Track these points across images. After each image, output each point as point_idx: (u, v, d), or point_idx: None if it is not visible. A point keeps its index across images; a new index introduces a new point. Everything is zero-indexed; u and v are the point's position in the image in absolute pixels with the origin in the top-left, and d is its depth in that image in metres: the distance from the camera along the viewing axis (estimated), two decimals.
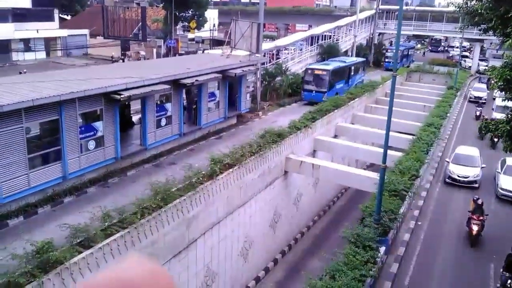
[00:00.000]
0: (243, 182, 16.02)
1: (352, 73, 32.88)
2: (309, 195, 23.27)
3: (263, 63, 32.74)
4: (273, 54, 42.23)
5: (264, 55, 39.10)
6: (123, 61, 43.71)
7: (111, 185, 14.93)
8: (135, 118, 20.66)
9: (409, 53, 54.57)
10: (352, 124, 27.48)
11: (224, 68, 21.88)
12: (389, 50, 49.32)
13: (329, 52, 40.91)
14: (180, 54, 45.02)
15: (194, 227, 13.41)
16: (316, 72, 29.07)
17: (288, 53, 41.37)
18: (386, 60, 48.32)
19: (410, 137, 21.87)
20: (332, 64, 30.38)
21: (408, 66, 48.65)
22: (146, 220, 11.21)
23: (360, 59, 36.17)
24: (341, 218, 23.48)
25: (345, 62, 32.21)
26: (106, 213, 10.50)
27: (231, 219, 15.81)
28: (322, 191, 24.87)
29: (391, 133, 13.58)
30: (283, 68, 33.29)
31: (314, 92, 28.63)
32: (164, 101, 18.42)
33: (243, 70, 23.00)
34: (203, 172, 14.00)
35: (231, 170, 15.06)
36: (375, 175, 16.99)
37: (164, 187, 12.11)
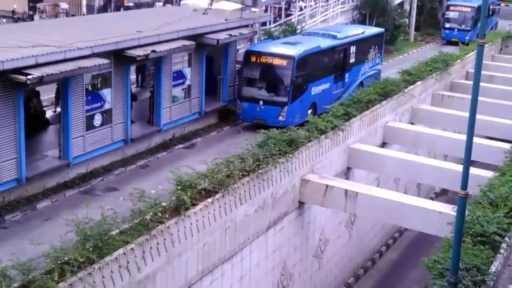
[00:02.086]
0: (231, 221, 15.96)
1: (352, 61, 27.47)
2: (340, 242, 23.21)
3: (263, 23, 32.96)
4: (280, 8, 42.64)
5: (266, 10, 39.57)
6: (32, 18, 43.80)
7: (10, 225, 14.78)
8: (49, 113, 20.63)
9: (493, 10, 55.46)
10: (412, 124, 27.54)
11: (200, 31, 21.96)
12: (451, 8, 49.53)
13: (373, 4, 41.22)
14: (127, 8, 45.20)
15: None
16: (267, 60, 23.52)
17: (305, 7, 41.65)
18: (447, 25, 48.67)
19: (508, 145, 21.93)
20: (299, 46, 24.09)
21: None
22: (69, 284, 11.14)
23: (372, 32, 30.66)
24: (394, 280, 23.43)
25: (335, 38, 26.46)
26: (1, 273, 10.40)
27: (210, 282, 15.72)
28: (362, 235, 24.82)
29: (476, 140, 13.43)
30: (297, 31, 33.49)
31: (260, 108, 23.17)
32: (99, 85, 18.41)
33: (230, 35, 23.10)
34: (164, 204, 13.94)
35: (210, 200, 15.00)
36: (449, 210, 16.91)
37: (99, 229, 12.03)
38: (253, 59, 23.71)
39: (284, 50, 23.69)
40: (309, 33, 28.17)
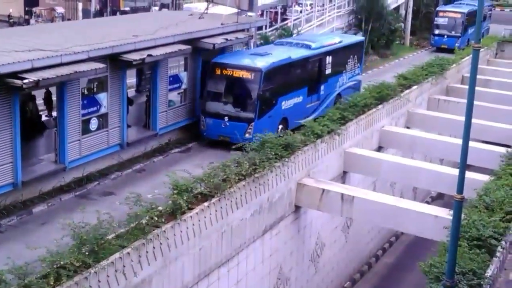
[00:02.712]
0: (227, 225, 15.96)
1: (328, 72, 25.87)
2: (337, 246, 23.22)
3: (260, 28, 33.03)
4: (276, 12, 42.75)
5: (262, 14, 39.65)
6: (28, 23, 43.80)
7: (6, 229, 14.75)
8: (45, 117, 20.60)
9: (485, 16, 55.57)
10: (407, 128, 27.59)
11: (196, 36, 22.01)
12: (440, 14, 48.22)
13: (369, 8, 41.32)
14: (123, 12, 45.22)
15: None
16: (232, 73, 21.93)
17: (301, 11, 41.75)
18: (436, 32, 47.36)
19: (504, 149, 21.98)
20: (267, 58, 22.56)
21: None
22: None
23: (350, 41, 29.14)
24: (390, 284, 23.43)
25: (309, 48, 24.87)
26: None
27: (206, 286, 15.71)
28: (358, 239, 24.83)
29: (471, 144, 13.45)
30: (293, 36, 33.54)
31: (225, 124, 21.49)
32: (95, 89, 18.42)
33: (226, 39, 23.10)
34: (160, 208, 13.94)
35: (206, 204, 15.00)
36: (445, 213, 16.93)
37: (95, 234, 12.01)
38: (218, 71, 21.95)
39: (250, 62, 22.08)
40: (282, 43, 26.36)
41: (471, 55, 12.22)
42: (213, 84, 22.10)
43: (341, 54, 26.89)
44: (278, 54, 23.21)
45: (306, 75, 24.70)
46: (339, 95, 26.52)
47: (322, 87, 25.47)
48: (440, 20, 47.07)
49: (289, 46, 25.15)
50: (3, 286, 10.46)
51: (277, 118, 22.33)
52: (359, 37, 31.18)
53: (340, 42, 27.13)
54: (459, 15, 46.71)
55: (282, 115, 22.64)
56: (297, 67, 23.99)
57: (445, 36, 46.10)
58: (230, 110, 21.72)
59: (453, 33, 45.93)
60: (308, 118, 21.52)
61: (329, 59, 25.79)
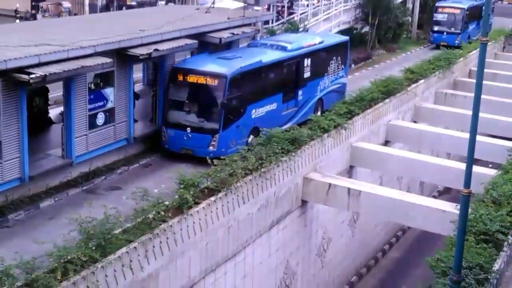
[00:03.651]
0: (233, 219, 15.99)
1: (307, 76, 24.15)
2: (343, 240, 23.24)
3: (266, 22, 32.97)
4: (283, 6, 42.68)
5: (269, 8, 39.60)
6: (35, 18, 43.87)
7: (14, 224, 14.82)
8: (53, 112, 20.65)
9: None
10: (414, 122, 27.53)
11: (202, 30, 21.98)
12: (439, 10, 46.57)
13: (376, 2, 41.14)
14: (130, 7, 45.25)
15: None
16: (195, 79, 20.15)
17: (307, 5, 41.65)
18: (435, 28, 45.84)
19: (511, 144, 21.91)
20: (234, 62, 20.78)
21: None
22: (72, 282, 11.16)
23: (333, 41, 27.27)
24: (397, 279, 23.42)
25: (285, 50, 23.22)
26: (4, 272, 10.40)
27: (213, 280, 15.74)
28: (365, 234, 24.82)
29: (479, 138, 13.40)
30: (300, 30, 33.49)
31: (188, 136, 19.85)
32: (102, 84, 18.44)
33: (233, 34, 23.09)
34: (167, 203, 13.97)
35: (212, 199, 15.03)
36: (452, 208, 16.89)
37: (102, 228, 12.05)
38: (180, 78, 20.14)
39: (214, 67, 20.25)
40: (256, 44, 24.20)
41: (478, 49, 12.16)
42: (174, 92, 20.28)
43: (322, 56, 25.25)
44: (247, 58, 21.36)
45: (281, 79, 22.90)
46: (320, 100, 25.08)
47: (300, 92, 23.69)
48: (439, 16, 45.48)
49: (264, 47, 23.36)
50: (11, 280, 10.51)
51: (247, 128, 20.48)
52: (343, 37, 28.97)
53: (321, 42, 25.24)
54: (459, 11, 45.17)
55: (253, 124, 20.72)
56: (270, 71, 22.19)
57: (445, 33, 44.42)
58: (193, 121, 19.89)
59: (452, 29, 44.51)
60: (284, 126, 19.93)
61: (307, 61, 23.99)
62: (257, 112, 21.05)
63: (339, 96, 25.65)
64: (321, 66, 25.05)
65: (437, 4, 47.36)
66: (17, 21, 41.63)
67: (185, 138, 19.66)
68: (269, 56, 22.27)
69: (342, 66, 26.78)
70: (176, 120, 20.06)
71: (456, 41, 41.34)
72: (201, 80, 19.90)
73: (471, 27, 45.78)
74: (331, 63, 25.80)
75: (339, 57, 26.35)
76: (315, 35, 28.29)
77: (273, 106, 21.96)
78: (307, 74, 23.99)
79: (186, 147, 19.65)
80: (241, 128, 20.18)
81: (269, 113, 21.62)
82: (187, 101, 20.20)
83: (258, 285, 18.00)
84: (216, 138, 19.37)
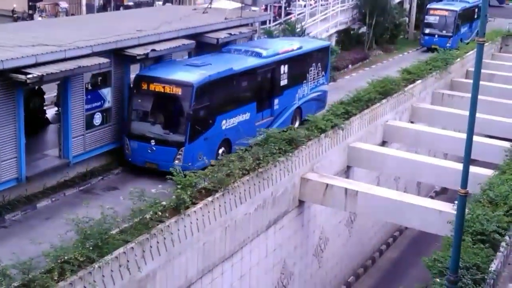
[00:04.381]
0: (231, 219, 15.98)
1: (284, 84, 22.97)
2: (340, 240, 23.23)
3: (263, 22, 32.96)
4: (280, 7, 42.66)
5: (266, 9, 39.58)
6: (32, 18, 43.76)
7: (10, 224, 14.80)
8: (50, 112, 20.65)
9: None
10: (412, 122, 27.54)
11: (200, 30, 22.00)
12: (430, 12, 45.39)
13: (373, 2, 41.18)
14: (127, 7, 45.15)
15: None
16: (160, 88, 18.75)
17: (305, 6, 41.64)
18: (426, 31, 44.71)
19: (508, 144, 21.95)
20: (202, 70, 19.41)
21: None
22: (69, 283, 11.14)
23: (312, 46, 25.85)
24: (394, 279, 23.41)
25: (259, 56, 21.87)
26: (1, 272, 10.40)
27: (210, 280, 15.73)
28: (362, 234, 24.83)
29: (476, 138, 13.40)
30: (297, 30, 33.49)
31: (152, 149, 18.58)
32: (99, 84, 18.43)
33: (230, 34, 23.11)
34: (164, 203, 13.95)
35: (210, 199, 15.01)
36: (449, 208, 16.91)
37: (99, 228, 12.04)
38: (144, 86, 18.73)
39: (181, 75, 18.91)
40: (229, 50, 22.46)
41: (475, 49, 12.17)
42: (138, 101, 19.01)
43: (300, 62, 23.92)
44: (218, 65, 19.96)
45: (254, 88, 21.56)
46: (299, 108, 23.95)
47: (276, 101, 22.52)
48: (430, 19, 44.36)
49: (238, 53, 22.03)
50: (8, 281, 10.49)
51: (216, 140, 19.30)
52: (324, 42, 28.03)
53: (299, 48, 23.89)
54: (450, 13, 43.97)
55: (223, 136, 19.57)
56: (243, 79, 20.84)
57: (436, 36, 43.20)
58: (157, 132, 18.63)
59: (444, 32, 43.34)
60: (258, 138, 18.70)
61: (284, 68, 22.71)
62: (228, 123, 19.83)
63: (319, 105, 24.93)
64: (300, 73, 23.89)
65: (428, 6, 46.28)
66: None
67: (149, 151, 18.33)
68: (242, 63, 21.01)
69: (323, 73, 25.57)
70: (140, 131, 18.73)
71: (448, 44, 39.81)
72: (166, 89, 18.52)
73: (463, 29, 44.92)
74: (311, 70, 24.61)
75: (319, 64, 25.14)
76: (294, 40, 27.00)
77: (246, 116, 20.77)
78: (284, 82, 22.85)
79: (150, 161, 18.37)
80: (210, 141, 18.96)
81: (242, 123, 20.41)
82: (151, 112, 18.94)
83: (255, 285, 17.99)
84: (182, 151, 18.11)
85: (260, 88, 21.90)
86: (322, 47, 26.27)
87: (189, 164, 17.64)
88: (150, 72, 19.33)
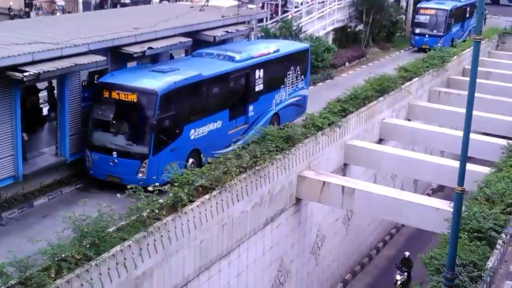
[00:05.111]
0: (228, 217, 15.97)
1: (259, 89, 21.68)
2: (337, 238, 23.26)
3: (260, 20, 32.94)
4: (277, 5, 42.65)
5: (263, 7, 39.56)
6: (29, 15, 43.73)
7: (7, 222, 14.79)
8: (46, 110, 20.60)
9: (472, 12, 54.62)
10: (408, 120, 27.57)
11: (197, 28, 21.99)
12: (421, 11, 44.13)
13: (370, 0, 41.13)
14: (124, 5, 45.15)
15: None
16: (123, 96, 17.42)
17: (301, 3, 41.63)
18: (417, 31, 43.12)
19: (505, 141, 21.98)
20: (168, 76, 18.00)
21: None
22: (66, 280, 11.13)
23: (291, 49, 24.33)
24: (391, 276, 23.45)
25: (232, 60, 20.65)
26: None
27: (207, 278, 15.74)
28: (359, 231, 24.85)
29: (472, 136, 13.43)
30: (294, 28, 33.46)
31: (114, 162, 17.44)
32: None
33: (227, 32, 23.10)
34: (161, 201, 13.94)
35: (207, 197, 15.01)
36: (445, 206, 16.92)
37: (96, 226, 12.03)
38: (106, 94, 17.48)
39: (144, 82, 17.62)
40: (201, 54, 21.11)
41: (472, 47, 12.20)
42: (99, 110, 17.62)
43: (277, 66, 22.64)
44: (186, 70, 18.65)
45: (226, 94, 20.27)
46: (276, 115, 22.63)
47: (250, 108, 21.21)
48: (421, 18, 42.97)
49: (210, 57, 20.79)
50: (5, 278, 10.49)
51: (184, 151, 17.93)
52: (303, 44, 26.69)
53: (276, 51, 22.68)
54: (441, 13, 42.54)
55: (192, 146, 18.23)
56: (213, 85, 19.58)
57: (427, 36, 41.90)
58: (120, 144, 17.35)
59: (435, 32, 41.99)
60: (232, 147, 18.14)
61: (260, 73, 21.43)
62: (197, 132, 18.51)
63: (298, 110, 23.73)
64: (277, 77, 22.53)
65: (418, 5, 45.17)
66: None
67: (111, 163, 17.12)
68: (213, 68, 19.68)
69: (302, 77, 24.25)
70: (101, 142, 17.51)
71: (439, 44, 38.44)
72: (129, 97, 17.25)
73: (455, 29, 43.86)
74: (289, 74, 23.26)
75: (298, 67, 23.78)
76: (271, 43, 25.34)
77: (218, 124, 19.46)
78: (259, 87, 21.52)
79: (112, 174, 17.15)
80: (178, 152, 17.57)
81: (213, 132, 19.15)
82: (113, 121, 17.47)
83: (252, 283, 17.99)
84: (146, 164, 16.87)
85: (233, 94, 20.71)
86: (301, 50, 25.00)
87: (153, 177, 16.25)
88: (112, 78, 17.96)
